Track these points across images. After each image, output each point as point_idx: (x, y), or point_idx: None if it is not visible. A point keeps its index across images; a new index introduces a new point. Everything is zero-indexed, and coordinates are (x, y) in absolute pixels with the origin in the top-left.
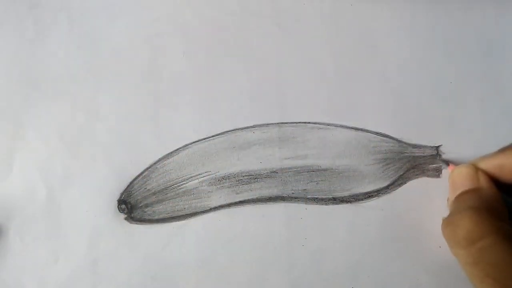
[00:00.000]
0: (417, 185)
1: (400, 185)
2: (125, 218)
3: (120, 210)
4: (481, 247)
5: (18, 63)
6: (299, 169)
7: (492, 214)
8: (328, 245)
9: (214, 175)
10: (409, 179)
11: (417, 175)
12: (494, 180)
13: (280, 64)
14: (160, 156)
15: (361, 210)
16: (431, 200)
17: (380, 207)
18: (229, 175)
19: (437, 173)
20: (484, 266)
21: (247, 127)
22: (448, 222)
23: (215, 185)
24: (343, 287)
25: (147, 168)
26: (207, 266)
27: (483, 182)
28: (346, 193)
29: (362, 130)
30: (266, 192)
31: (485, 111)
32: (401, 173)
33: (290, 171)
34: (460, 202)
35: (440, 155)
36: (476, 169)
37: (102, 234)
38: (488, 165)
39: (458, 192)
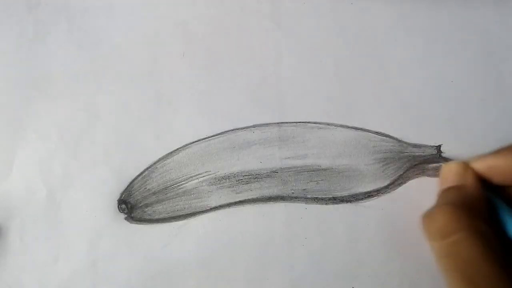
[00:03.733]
0: (417, 185)
1: (400, 184)
2: (125, 218)
3: (120, 210)
4: (453, 241)
5: (18, 63)
6: (299, 168)
7: (469, 211)
8: (328, 245)
9: (214, 175)
10: (409, 178)
11: (417, 174)
12: (487, 181)
13: (280, 64)
14: (160, 156)
15: (361, 210)
16: (431, 199)
17: (380, 207)
18: (229, 175)
19: (437, 172)
20: (455, 260)
21: (247, 127)
22: (426, 215)
23: (215, 185)
24: (343, 287)
25: (147, 168)
26: (207, 266)
27: (469, 180)
28: (346, 193)
29: (362, 129)
30: (266, 192)
31: (485, 111)
32: (401, 173)
33: (290, 171)
34: (443, 196)
35: (440, 155)
36: (466, 167)
37: (102, 234)
38: (480, 165)
39: (444, 187)
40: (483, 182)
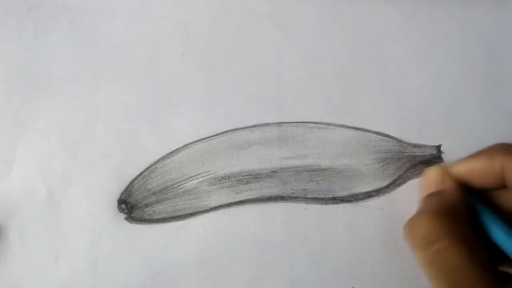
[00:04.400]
0: (417, 185)
1: (400, 184)
2: (125, 218)
3: (120, 210)
4: (437, 250)
5: (18, 63)
6: (299, 168)
7: (450, 218)
8: (328, 245)
9: (214, 175)
10: (409, 178)
11: (417, 174)
12: (467, 185)
13: (280, 64)
14: (160, 156)
15: (361, 210)
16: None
17: (380, 207)
18: (229, 175)
19: None
20: (439, 269)
21: (247, 127)
22: (408, 224)
23: (215, 185)
24: (343, 287)
25: (147, 168)
26: (207, 266)
27: (449, 185)
28: (346, 193)
29: (362, 129)
30: (266, 192)
31: (485, 111)
32: (401, 173)
33: (290, 171)
34: (423, 204)
35: (440, 155)
36: (444, 172)
37: (102, 234)
38: (460, 169)
39: (425, 193)
40: (464, 186)
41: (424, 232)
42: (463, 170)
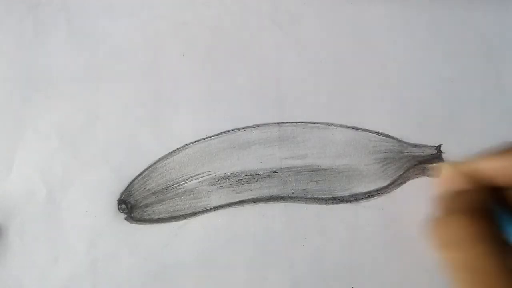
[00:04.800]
0: (417, 185)
1: (400, 184)
2: (125, 218)
3: (120, 210)
4: (473, 254)
5: (18, 63)
6: (299, 168)
7: (483, 220)
8: (328, 245)
9: (214, 175)
10: (409, 178)
11: (417, 174)
12: (490, 182)
13: (280, 64)
14: (160, 156)
15: (361, 210)
16: (431, 199)
17: (380, 207)
18: (229, 174)
19: (437, 172)
20: (473, 273)
21: (247, 127)
22: (440, 222)
23: (215, 185)
24: (343, 287)
25: (147, 168)
26: (207, 266)
27: (477, 183)
28: (346, 193)
29: (362, 129)
30: (266, 192)
31: (485, 111)
32: (401, 173)
33: (290, 171)
34: (454, 202)
35: (440, 155)
36: (472, 168)
37: (102, 234)
38: (490, 166)
39: (450, 189)
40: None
41: (461, 233)
42: (494, 167)
